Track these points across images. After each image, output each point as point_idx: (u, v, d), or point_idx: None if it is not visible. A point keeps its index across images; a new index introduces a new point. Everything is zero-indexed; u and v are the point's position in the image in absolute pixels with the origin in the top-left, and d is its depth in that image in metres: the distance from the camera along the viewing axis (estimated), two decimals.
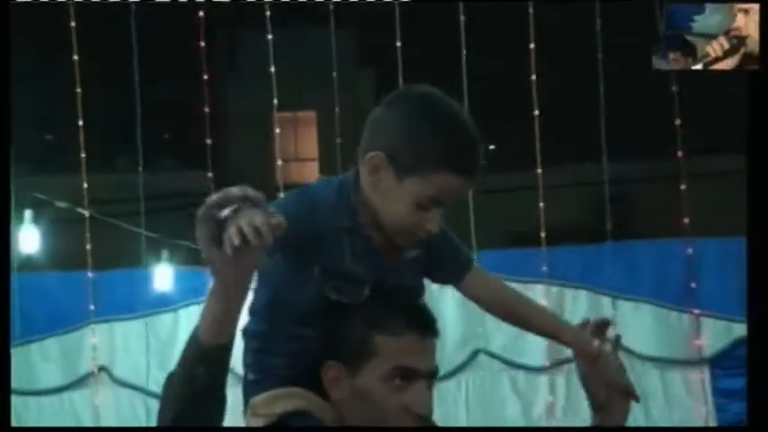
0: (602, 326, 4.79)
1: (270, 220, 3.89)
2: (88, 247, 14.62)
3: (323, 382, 4.53)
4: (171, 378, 4.17)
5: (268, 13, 14.49)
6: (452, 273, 4.93)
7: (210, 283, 4.08)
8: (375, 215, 4.62)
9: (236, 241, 3.79)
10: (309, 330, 4.60)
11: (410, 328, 4.56)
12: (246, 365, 4.70)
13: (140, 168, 15.66)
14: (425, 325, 4.58)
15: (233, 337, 4.15)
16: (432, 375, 4.55)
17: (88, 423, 14.27)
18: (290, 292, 4.64)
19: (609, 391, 4.83)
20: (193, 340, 4.09)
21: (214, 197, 3.92)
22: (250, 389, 4.63)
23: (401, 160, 4.44)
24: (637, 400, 4.84)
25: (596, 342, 4.75)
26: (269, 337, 4.69)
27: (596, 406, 4.87)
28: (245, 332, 4.66)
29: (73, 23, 14.60)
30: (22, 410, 14.59)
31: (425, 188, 4.42)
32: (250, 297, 4.35)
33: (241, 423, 4.83)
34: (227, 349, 4.11)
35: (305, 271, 4.55)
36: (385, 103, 4.57)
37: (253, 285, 4.39)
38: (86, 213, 14.84)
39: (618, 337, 4.80)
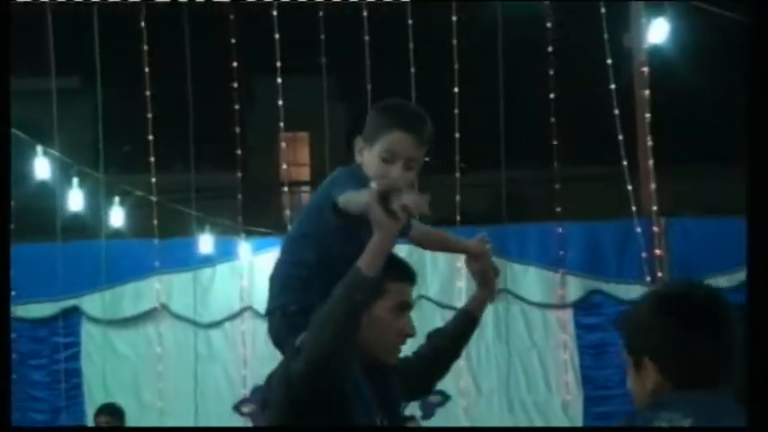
0: (483, 240, 5.62)
1: (420, 200, 4.71)
2: (155, 221, 15.80)
3: None
4: (323, 308, 4.90)
5: (279, 63, 14.97)
6: (405, 230, 5.24)
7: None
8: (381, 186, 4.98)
9: (403, 214, 4.65)
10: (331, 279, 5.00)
11: (407, 274, 5.30)
12: (272, 310, 5.29)
13: (192, 170, 16.34)
14: (412, 274, 5.33)
15: (380, 273, 4.88)
16: (412, 308, 5.32)
17: (154, 344, 15.24)
18: (326, 252, 5.17)
19: (487, 273, 5.65)
20: (355, 274, 4.83)
21: (383, 183, 4.78)
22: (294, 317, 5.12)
23: (367, 134, 5.20)
24: (497, 274, 5.78)
25: (482, 245, 5.57)
26: (294, 288, 5.19)
27: (481, 283, 5.73)
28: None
29: (146, 47, 15.18)
30: (113, 336, 15.48)
31: (383, 145, 5.11)
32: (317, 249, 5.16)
33: None
34: (375, 281, 4.85)
35: (335, 236, 5.15)
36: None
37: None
38: (154, 199, 16.03)
39: (485, 238, 5.64)
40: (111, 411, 13.32)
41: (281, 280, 5.20)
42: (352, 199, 4.84)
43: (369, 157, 5.12)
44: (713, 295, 3.92)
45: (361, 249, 4.88)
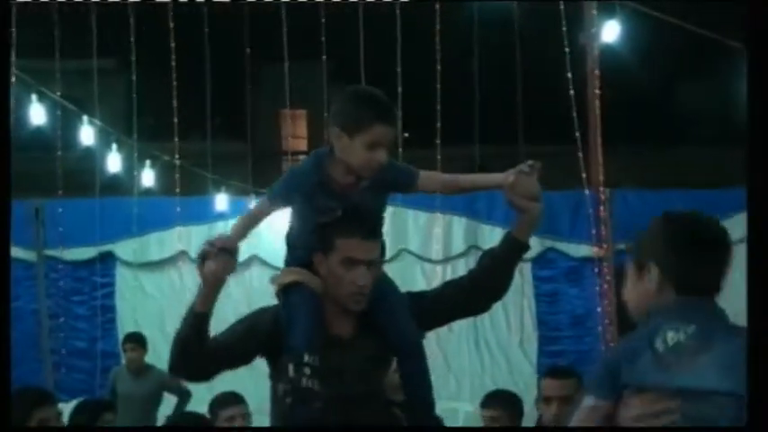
0: (513, 172, 4.92)
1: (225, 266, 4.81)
2: (177, 182, 15.78)
3: (314, 265, 5.04)
4: (176, 334, 4.96)
5: (286, 52, 14.58)
6: (407, 181, 5.12)
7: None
8: (347, 164, 4.96)
9: (200, 275, 4.79)
10: (311, 240, 5.01)
11: (358, 232, 5.03)
12: (286, 261, 5.19)
13: (209, 139, 16.33)
14: (368, 230, 5.08)
15: (210, 309, 4.88)
16: (370, 263, 5.00)
17: (176, 284, 15.31)
18: (301, 221, 5.07)
19: (526, 199, 4.92)
20: (190, 309, 4.88)
21: (202, 247, 4.86)
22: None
23: (347, 125, 4.90)
24: (539, 200, 4.96)
25: (511, 173, 4.89)
26: (293, 247, 5.10)
27: (519, 210, 5.00)
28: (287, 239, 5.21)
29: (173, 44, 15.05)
30: (142, 277, 15.66)
31: (366, 137, 4.88)
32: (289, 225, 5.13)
33: None
34: (206, 315, 4.85)
35: (305, 208, 5.02)
36: (335, 98, 5.15)
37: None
38: (177, 163, 16.03)
39: (531, 165, 4.91)
40: (136, 339, 13.39)
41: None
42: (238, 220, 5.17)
43: (350, 146, 4.89)
44: (716, 220, 3.94)
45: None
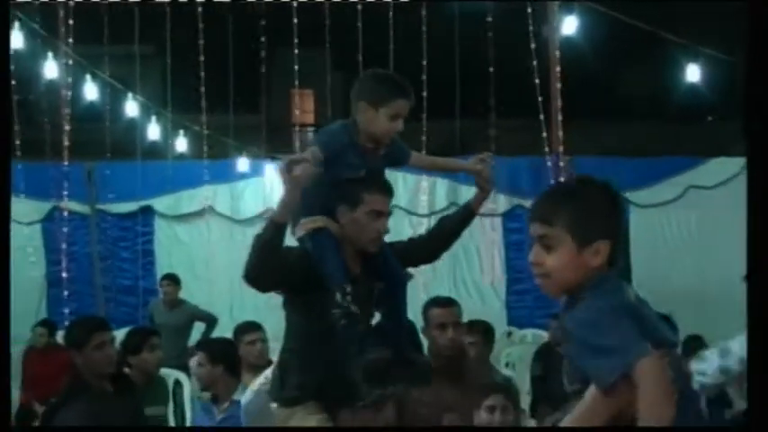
0: (479, 160, 5.36)
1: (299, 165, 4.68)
2: (205, 148, 15.77)
3: (337, 215, 4.98)
4: (254, 240, 4.87)
5: (296, 40, 14.32)
6: (404, 157, 5.31)
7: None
8: (370, 133, 5.02)
9: (286, 178, 4.61)
10: (334, 194, 4.97)
11: (382, 189, 5.07)
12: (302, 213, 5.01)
13: (231, 112, 16.56)
14: (388, 188, 5.12)
15: (287, 219, 4.80)
16: (387, 215, 5.06)
17: (204, 233, 15.46)
18: (328, 176, 4.91)
19: (483, 181, 5.32)
20: (270, 221, 4.79)
21: (285, 159, 4.78)
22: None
23: (373, 100, 4.96)
24: (491, 183, 5.41)
25: (476, 161, 5.31)
26: (317, 195, 4.93)
27: (479, 188, 5.41)
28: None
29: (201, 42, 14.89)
30: (176, 227, 15.81)
31: (390, 109, 4.96)
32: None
33: None
34: (283, 225, 4.76)
35: (334, 165, 4.94)
36: (358, 79, 5.21)
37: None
38: (205, 132, 15.90)
39: (487, 156, 5.37)
40: (171, 278, 13.46)
41: None
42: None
43: (375, 117, 4.97)
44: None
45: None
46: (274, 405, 5.19)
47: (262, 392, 5.54)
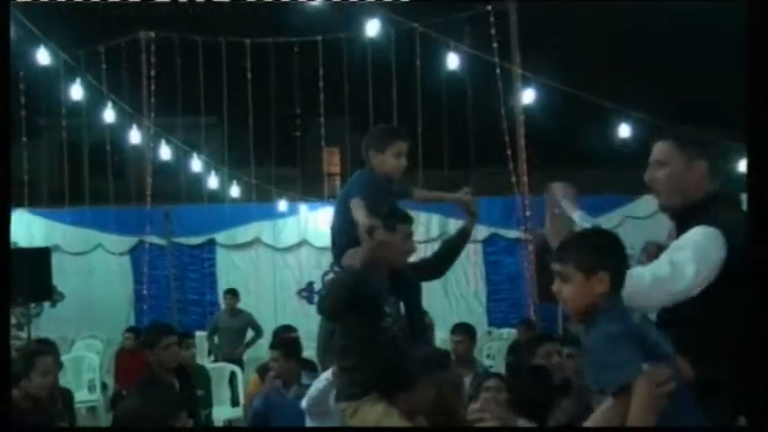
0: (466, 192, 5.43)
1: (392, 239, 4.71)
2: (253, 190, 16.01)
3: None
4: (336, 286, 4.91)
5: (322, 109, 14.95)
6: (408, 192, 5.29)
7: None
8: (384, 172, 5.00)
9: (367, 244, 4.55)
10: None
11: (407, 218, 5.05)
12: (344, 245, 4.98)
13: (273, 166, 16.09)
14: (410, 219, 5.07)
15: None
16: (413, 237, 5.09)
17: (254, 258, 15.20)
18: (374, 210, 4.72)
19: (470, 210, 5.42)
20: (352, 270, 4.72)
21: (368, 223, 4.57)
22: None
23: (378, 146, 4.98)
24: (475, 211, 5.51)
25: (462, 194, 5.39)
26: (349, 234, 4.87)
27: (468, 215, 5.49)
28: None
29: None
30: (233, 255, 15.60)
31: (393, 149, 4.98)
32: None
33: None
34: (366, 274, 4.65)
35: (374, 204, 4.78)
36: (364, 138, 5.14)
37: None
38: (254, 182, 15.90)
39: (468, 191, 5.44)
40: (232, 292, 13.33)
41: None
42: (355, 212, 4.77)
43: (383, 158, 4.99)
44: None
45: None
46: (340, 402, 5.03)
47: (326, 388, 5.32)
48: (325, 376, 5.44)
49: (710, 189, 3.75)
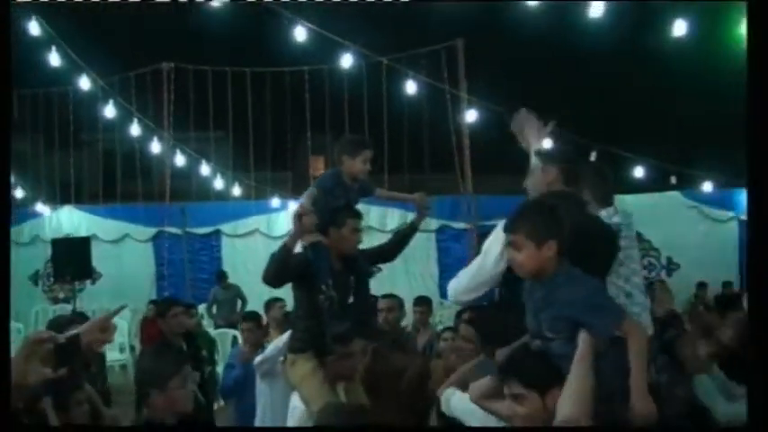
0: (421, 195, 5.36)
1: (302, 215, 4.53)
2: (252, 191, 15.93)
3: (329, 232, 4.81)
4: (270, 258, 4.65)
5: (308, 125, 14.95)
6: (371, 191, 5.16)
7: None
8: (352, 173, 4.88)
9: (296, 223, 4.51)
10: (330, 218, 4.79)
11: (357, 215, 4.93)
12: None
13: (269, 169, 16.55)
14: (359, 214, 4.95)
15: (294, 245, 4.60)
16: (362, 231, 4.96)
17: (253, 246, 14.60)
18: (320, 206, 4.71)
19: (422, 207, 5.35)
20: (284, 245, 4.60)
21: (295, 209, 4.57)
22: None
23: (350, 152, 4.87)
24: (426, 208, 5.38)
25: (417, 195, 5.34)
26: (318, 218, 4.70)
27: (419, 212, 5.38)
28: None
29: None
30: (236, 242, 15.20)
31: (362, 156, 4.85)
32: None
33: None
34: (292, 248, 4.60)
35: (325, 198, 4.78)
36: (338, 142, 5.02)
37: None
38: (253, 184, 15.75)
39: (424, 194, 5.34)
40: (221, 274, 13.59)
41: None
42: (303, 197, 4.79)
43: (353, 163, 4.87)
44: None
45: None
46: (287, 353, 4.96)
47: (280, 350, 5.33)
48: (282, 339, 5.39)
49: (557, 189, 3.59)
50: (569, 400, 2.68)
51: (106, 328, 2.79)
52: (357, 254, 5.03)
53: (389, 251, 5.45)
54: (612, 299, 2.91)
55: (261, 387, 5.85)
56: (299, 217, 4.56)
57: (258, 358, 5.76)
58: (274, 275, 4.69)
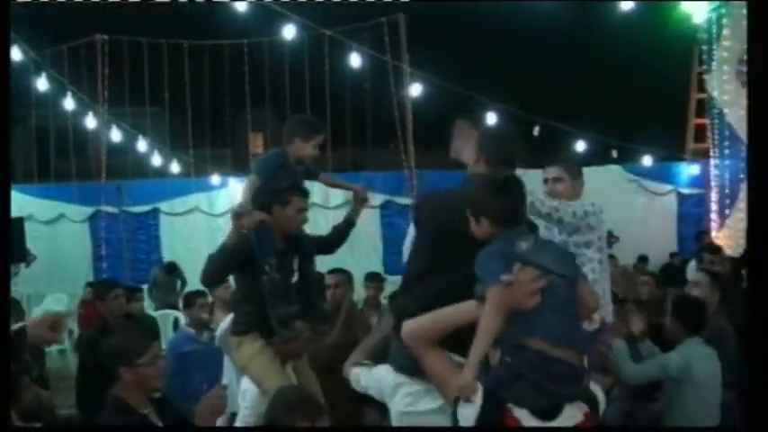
0: (361, 188, 5.42)
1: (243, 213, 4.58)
2: (192, 168, 15.95)
3: (273, 212, 4.79)
4: (211, 259, 4.71)
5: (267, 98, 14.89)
6: (315, 174, 5.24)
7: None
8: (301, 157, 4.89)
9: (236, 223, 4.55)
10: (268, 199, 4.80)
11: (302, 194, 4.92)
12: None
13: (208, 149, 16.57)
14: (306, 193, 4.97)
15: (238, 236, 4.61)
16: (306, 210, 4.97)
17: (192, 224, 14.60)
18: (264, 186, 4.78)
19: (360, 199, 5.38)
20: (224, 243, 4.68)
21: (239, 206, 4.63)
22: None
23: (304, 136, 4.87)
24: (365, 199, 5.41)
25: (358, 188, 5.38)
26: (261, 200, 4.78)
27: (356, 202, 5.41)
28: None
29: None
30: (174, 220, 15.01)
31: (315, 141, 4.87)
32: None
33: None
34: (233, 243, 4.64)
35: (269, 180, 4.78)
36: (289, 122, 5.02)
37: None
38: (192, 161, 15.81)
39: (362, 188, 5.41)
40: (162, 264, 13.54)
41: None
42: (243, 189, 4.86)
43: (306, 147, 4.89)
44: (511, 175, 3.16)
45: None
46: (231, 336, 4.97)
47: (229, 328, 5.27)
48: (229, 318, 5.44)
49: (474, 171, 3.62)
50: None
51: (57, 328, 2.82)
52: (302, 234, 5.02)
53: (328, 244, 5.41)
54: (490, 263, 2.92)
55: (227, 362, 5.83)
56: (238, 216, 4.59)
57: (217, 333, 5.74)
58: (216, 275, 4.80)
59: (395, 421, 3.41)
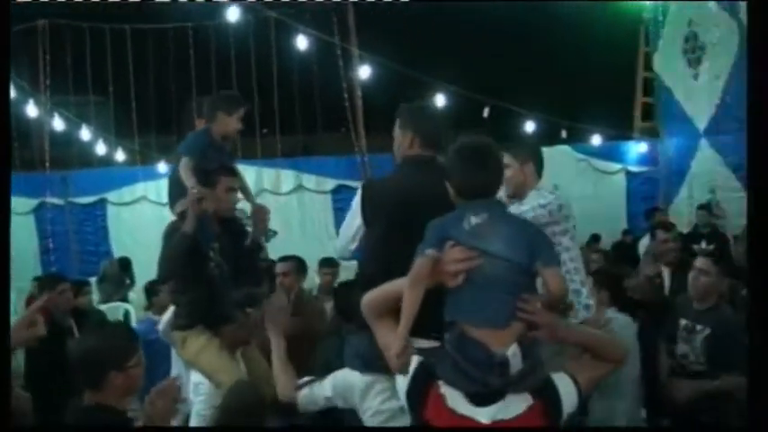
0: (258, 207, 5.11)
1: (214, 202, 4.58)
2: (137, 157, 15.80)
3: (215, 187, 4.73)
4: (167, 252, 4.67)
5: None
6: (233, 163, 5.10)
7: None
8: (226, 132, 4.84)
9: (194, 210, 4.45)
10: (202, 179, 4.69)
11: (231, 172, 4.87)
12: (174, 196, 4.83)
13: (154, 137, 16.29)
14: (236, 172, 4.92)
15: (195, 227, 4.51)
16: (237, 190, 4.90)
17: (139, 214, 14.44)
18: (202, 166, 4.71)
19: (260, 216, 5.07)
20: (183, 232, 4.55)
21: (195, 192, 4.51)
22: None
23: (226, 110, 4.80)
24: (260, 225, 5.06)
25: (259, 206, 5.12)
26: (180, 186, 4.71)
27: (256, 225, 5.12)
28: None
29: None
30: (121, 210, 14.90)
31: (238, 114, 4.79)
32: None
33: None
34: (191, 233, 4.52)
35: (199, 160, 4.71)
36: (211, 99, 4.98)
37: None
38: (137, 149, 15.77)
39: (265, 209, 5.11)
40: (115, 259, 13.38)
41: None
42: (183, 173, 4.65)
43: (229, 120, 4.80)
44: (482, 140, 2.95)
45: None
46: (173, 332, 4.87)
47: (170, 320, 5.13)
48: (171, 309, 5.35)
49: (408, 153, 3.68)
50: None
51: (34, 322, 2.79)
52: (234, 215, 4.97)
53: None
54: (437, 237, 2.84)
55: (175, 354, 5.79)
56: (198, 201, 4.49)
57: (160, 327, 5.69)
58: (178, 267, 4.66)
59: (372, 421, 3.35)
